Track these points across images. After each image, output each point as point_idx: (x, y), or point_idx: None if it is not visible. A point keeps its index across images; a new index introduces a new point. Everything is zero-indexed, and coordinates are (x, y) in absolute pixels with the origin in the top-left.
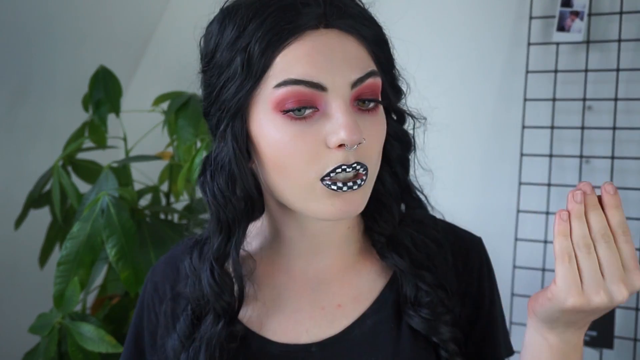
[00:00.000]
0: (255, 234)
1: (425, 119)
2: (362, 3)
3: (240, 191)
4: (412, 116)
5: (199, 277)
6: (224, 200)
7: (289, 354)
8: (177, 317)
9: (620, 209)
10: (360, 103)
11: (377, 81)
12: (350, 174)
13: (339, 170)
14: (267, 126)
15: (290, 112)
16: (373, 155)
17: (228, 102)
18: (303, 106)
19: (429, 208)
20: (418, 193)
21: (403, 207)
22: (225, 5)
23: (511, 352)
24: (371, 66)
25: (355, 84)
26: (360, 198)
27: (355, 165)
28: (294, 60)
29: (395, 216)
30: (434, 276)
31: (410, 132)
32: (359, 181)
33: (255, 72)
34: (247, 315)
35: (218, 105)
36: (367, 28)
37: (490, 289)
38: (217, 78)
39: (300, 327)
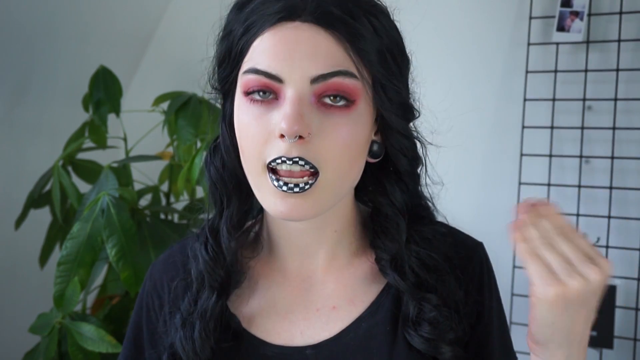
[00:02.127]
0: (259, 229)
1: (426, 141)
2: (379, 9)
3: (229, 169)
4: (418, 139)
5: (199, 255)
6: (217, 177)
7: (283, 356)
8: (178, 308)
9: (560, 214)
10: (332, 99)
11: (348, 82)
12: (296, 168)
13: (279, 161)
14: (237, 108)
15: (252, 95)
16: (331, 156)
17: (219, 83)
18: (263, 90)
19: (436, 215)
20: (428, 203)
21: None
22: None
23: (513, 357)
24: (344, 66)
25: (316, 79)
26: (307, 206)
27: (296, 159)
28: (261, 50)
29: (401, 234)
30: (439, 296)
31: (419, 145)
32: (301, 184)
33: (233, 57)
34: (242, 313)
35: (215, 85)
36: (358, 33)
37: (489, 297)
38: (216, 58)
39: (295, 329)
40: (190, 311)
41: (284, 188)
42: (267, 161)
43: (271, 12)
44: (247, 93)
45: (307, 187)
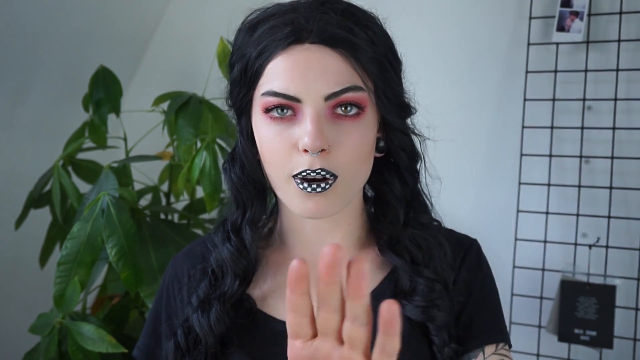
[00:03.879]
0: (273, 226)
1: (423, 136)
2: (372, 20)
3: (250, 178)
4: (415, 133)
5: (220, 246)
6: (240, 183)
7: None
8: (195, 289)
9: None
10: (343, 109)
11: (357, 95)
12: (319, 177)
13: (304, 173)
14: (258, 124)
15: (272, 112)
16: (347, 162)
17: (235, 102)
18: (282, 107)
19: (434, 213)
20: (425, 199)
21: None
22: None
23: (506, 338)
24: (352, 82)
25: (329, 97)
26: (329, 203)
27: (319, 170)
28: (277, 73)
29: (399, 218)
30: (431, 271)
31: (417, 142)
32: (322, 184)
33: (249, 79)
34: (255, 294)
35: (231, 103)
36: (359, 47)
37: (483, 277)
38: (231, 80)
39: None
40: (208, 293)
41: (309, 189)
42: (295, 172)
43: (281, 37)
44: (267, 110)
45: (327, 187)
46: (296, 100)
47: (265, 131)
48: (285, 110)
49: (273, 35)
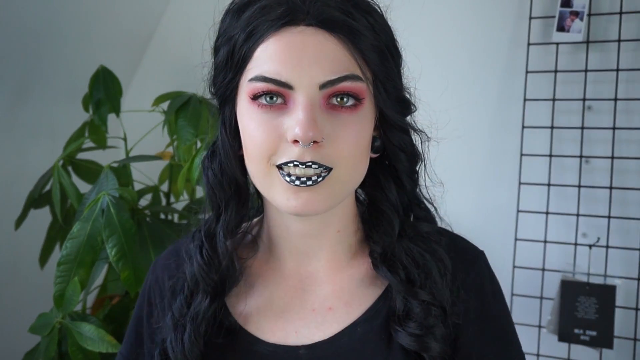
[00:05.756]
0: (258, 231)
1: (425, 134)
2: (372, 7)
3: (227, 176)
4: (414, 129)
5: (193, 257)
6: (215, 182)
7: (276, 355)
8: (170, 307)
9: None
10: (339, 100)
11: (355, 85)
12: (310, 171)
13: (291, 164)
14: (244, 113)
15: (260, 99)
16: (343, 156)
17: (218, 89)
18: (271, 94)
19: (438, 219)
20: (427, 204)
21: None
22: None
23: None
24: (350, 70)
25: (324, 85)
26: (321, 199)
27: (309, 163)
28: (267, 57)
29: (394, 229)
30: (427, 293)
31: (418, 143)
32: (314, 178)
33: (236, 63)
34: (239, 311)
35: (214, 90)
36: (359, 33)
37: (491, 302)
38: (216, 64)
39: (290, 327)
40: (183, 313)
41: (297, 182)
42: (279, 162)
43: (274, 17)
44: (255, 97)
45: (319, 179)
46: (288, 86)
47: (250, 120)
48: (274, 98)
49: (264, 16)
